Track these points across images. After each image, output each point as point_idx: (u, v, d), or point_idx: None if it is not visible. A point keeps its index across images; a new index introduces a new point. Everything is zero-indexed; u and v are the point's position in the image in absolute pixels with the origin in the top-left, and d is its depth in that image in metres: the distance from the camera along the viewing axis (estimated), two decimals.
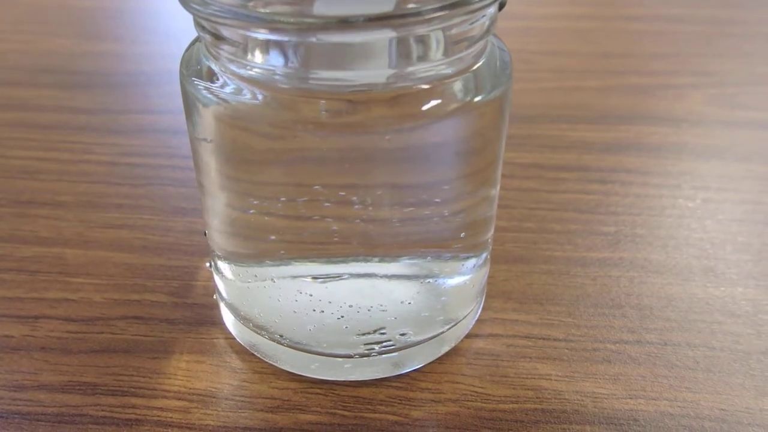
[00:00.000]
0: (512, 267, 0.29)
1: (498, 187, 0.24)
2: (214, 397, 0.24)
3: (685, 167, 0.36)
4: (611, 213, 0.33)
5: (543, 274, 0.29)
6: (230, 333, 0.26)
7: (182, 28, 0.53)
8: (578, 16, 0.56)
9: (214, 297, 0.28)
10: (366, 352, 0.24)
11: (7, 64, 0.47)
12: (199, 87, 0.20)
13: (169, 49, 0.50)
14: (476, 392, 0.24)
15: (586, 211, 0.33)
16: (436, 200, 0.22)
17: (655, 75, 0.46)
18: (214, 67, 0.20)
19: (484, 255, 0.25)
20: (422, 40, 0.19)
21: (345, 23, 0.17)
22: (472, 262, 0.24)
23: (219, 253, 0.24)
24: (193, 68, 0.21)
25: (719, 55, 0.49)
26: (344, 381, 0.24)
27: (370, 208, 0.21)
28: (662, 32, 0.52)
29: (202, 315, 0.27)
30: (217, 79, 0.20)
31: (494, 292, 0.28)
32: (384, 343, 0.23)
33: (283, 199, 0.21)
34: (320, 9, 0.17)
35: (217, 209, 0.23)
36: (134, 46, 0.51)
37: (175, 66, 0.22)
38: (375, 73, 0.19)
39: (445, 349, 0.25)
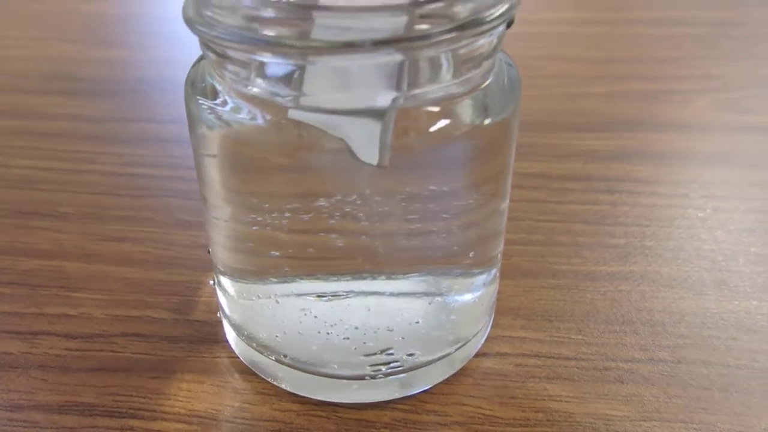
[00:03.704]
0: (520, 282, 0.29)
1: (507, 200, 0.23)
2: (214, 420, 0.24)
3: (692, 175, 0.36)
4: (620, 224, 0.32)
5: (551, 289, 0.29)
6: (233, 351, 0.26)
7: (189, 34, 0.52)
8: (581, 21, 0.55)
9: (218, 314, 0.27)
10: (372, 373, 0.23)
11: (11, 70, 0.47)
12: (203, 107, 0.20)
13: (175, 55, 0.49)
14: (484, 414, 0.24)
15: (593, 222, 0.32)
16: (444, 215, 0.21)
17: (661, 80, 0.45)
18: (218, 87, 0.20)
19: (493, 270, 0.24)
20: (430, 62, 0.18)
21: (351, 47, 0.17)
22: (481, 278, 0.24)
23: (222, 269, 0.24)
24: (198, 86, 0.21)
25: (723, 58, 0.48)
26: (348, 403, 0.24)
27: (377, 224, 0.21)
28: (666, 36, 0.52)
29: (204, 333, 0.27)
30: (221, 99, 0.20)
31: (502, 309, 0.27)
32: (391, 364, 0.23)
33: (288, 213, 0.21)
34: (325, 33, 0.17)
35: (221, 224, 0.23)
36: (140, 52, 0.50)
37: (181, 72, 0.21)
38: (380, 96, 0.18)
39: (454, 369, 0.25)
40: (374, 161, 0.19)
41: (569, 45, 0.51)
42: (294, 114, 0.19)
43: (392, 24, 0.17)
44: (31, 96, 0.44)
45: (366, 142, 0.18)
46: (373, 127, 0.18)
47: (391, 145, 0.18)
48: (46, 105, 0.42)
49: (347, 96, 0.18)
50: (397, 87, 0.18)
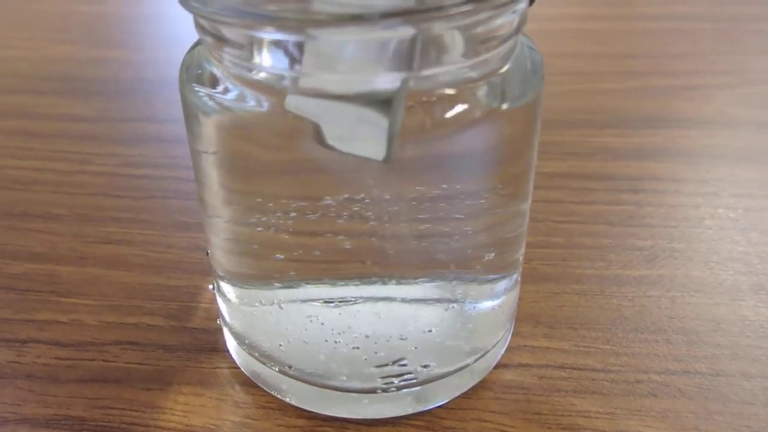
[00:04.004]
0: (540, 287, 0.27)
1: (529, 201, 0.22)
2: None
3: (720, 173, 0.34)
4: (645, 225, 0.30)
5: (575, 295, 0.27)
6: (234, 362, 0.24)
7: (187, 33, 0.51)
8: (587, 17, 0.54)
9: (218, 322, 0.25)
10: (384, 386, 0.21)
11: (7, 70, 0.46)
12: (200, 94, 0.19)
13: (173, 55, 0.47)
14: None
15: (617, 223, 0.31)
16: (460, 215, 0.20)
17: (679, 75, 0.44)
18: (217, 72, 0.19)
19: (514, 276, 0.23)
20: (444, 39, 0.17)
21: (359, 19, 0.15)
22: (501, 284, 0.22)
23: (222, 274, 0.22)
24: (193, 73, 0.19)
25: (744, 53, 0.46)
26: (358, 419, 0.22)
27: (387, 224, 0.19)
28: (683, 31, 0.50)
29: (203, 341, 0.25)
30: (220, 85, 0.18)
31: (522, 316, 0.26)
32: (404, 376, 0.21)
33: (292, 214, 0.19)
34: (327, 5, 0.15)
35: (221, 226, 0.21)
36: (138, 52, 0.49)
37: (178, 72, 0.20)
38: (387, 77, 0.17)
39: (473, 382, 0.23)
40: (380, 156, 0.17)
41: (577, 41, 0.50)
42: (290, 103, 0.17)
43: None
44: (27, 96, 0.42)
45: (370, 133, 0.17)
46: (379, 114, 0.16)
47: (398, 136, 0.17)
48: (41, 105, 0.41)
49: (350, 77, 0.17)
50: (408, 66, 0.16)
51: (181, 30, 0.52)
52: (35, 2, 0.58)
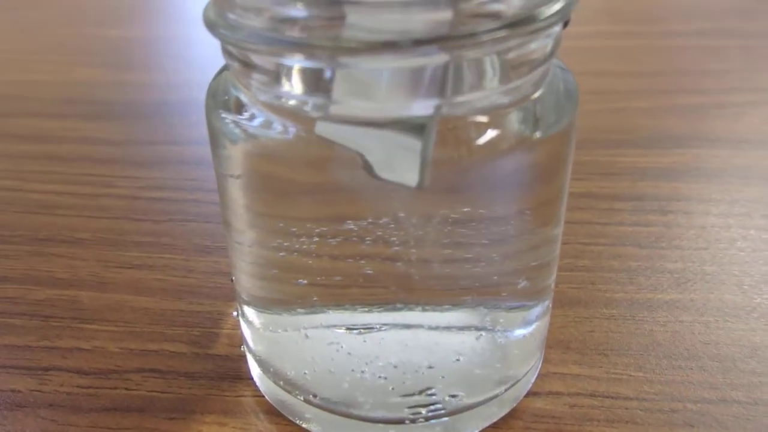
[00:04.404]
0: (568, 311, 0.26)
1: (561, 226, 0.21)
2: None
3: (752, 193, 0.33)
4: (675, 247, 0.30)
5: (604, 320, 0.26)
6: (258, 389, 0.24)
7: (209, 54, 0.51)
8: (615, 35, 0.54)
9: (241, 348, 0.25)
10: (412, 416, 0.21)
11: (31, 94, 0.46)
12: (227, 121, 0.18)
13: (195, 77, 0.48)
14: None
15: (646, 245, 0.30)
16: (489, 240, 0.19)
17: (709, 93, 0.43)
18: (243, 98, 0.18)
19: (546, 302, 0.22)
20: (476, 65, 0.16)
21: (392, 46, 0.15)
22: (533, 311, 0.21)
23: (246, 299, 0.22)
24: (220, 99, 0.19)
25: None
26: None
27: (414, 250, 0.19)
28: (712, 48, 0.50)
29: (226, 368, 0.25)
30: (246, 111, 0.18)
31: (551, 341, 0.25)
32: (432, 407, 0.21)
33: (316, 238, 0.19)
34: (356, 33, 0.15)
35: (245, 250, 0.21)
36: (160, 74, 0.49)
37: (201, 94, 0.20)
38: (420, 104, 0.16)
39: (503, 412, 0.22)
40: (413, 182, 0.16)
41: (606, 59, 0.49)
42: (321, 129, 0.17)
43: (433, 23, 0.15)
44: (50, 120, 0.43)
45: (403, 160, 0.16)
46: (412, 140, 0.16)
47: (431, 161, 0.16)
48: (64, 129, 0.41)
49: (382, 105, 0.16)
50: (440, 93, 0.16)
51: (202, 53, 0.53)
52: (58, 27, 0.58)
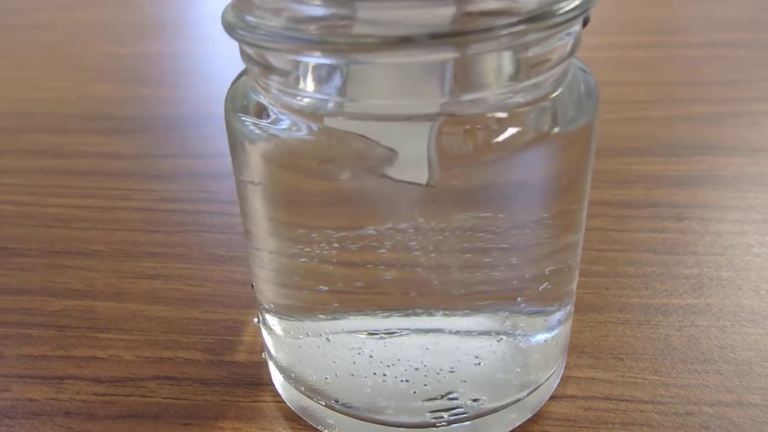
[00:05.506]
0: (583, 316, 0.26)
1: (582, 231, 0.21)
2: None
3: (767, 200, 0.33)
4: (690, 253, 0.30)
5: (619, 324, 0.26)
6: (278, 395, 0.24)
7: (223, 70, 0.52)
8: (630, 45, 0.54)
9: (263, 355, 0.25)
10: (433, 420, 0.21)
11: (46, 111, 0.47)
12: (246, 123, 0.18)
13: (208, 92, 0.48)
14: None
15: (661, 251, 0.30)
16: (508, 245, 0.19)
17: (724, 103, 0.43)
18: (263, 101, 0.18)
19: (568, 307, 0.22)
20: (492, 62, 0.16)
21: (408, 41, 0.15)
22: (555, 316, 0.21)
23: (267, 306, 0.22)
24: (239, 104, 0.19)
25: None
26: None
27: (432, 255, 0.18)
28: (726, 57, 0.49)
29: (241, 375, 0.25)
30: (267, 115, 0.18)
31: None
32: (454, 411, 0.20)
33: (336, 244, 0.19)
34: (369, 29, 0.15)
35: (265, 257, 0.21)
36: (174, 89, 0.50)
37: (216, 108, 0.20)
38: (432, 99, 0.16)
39: (525, 417, 0.22)
40: (423, 180, 0.16)
41: (621, 69, 0.49)
42: (334, 121, 0.17)
43: (444, 17, 0.15)
44: (64, 135, 0.43)
45: (413, 156, 0.16)
46: (421, 138, 0.16)
47: (436, 159, 0.16)
48: (79, 144, 0.42)
49: (393, 101, 0.16)
50: (449, 89, 0.16)
51: (214, 68, 0.53)
52: (72, 45, 0.59)
